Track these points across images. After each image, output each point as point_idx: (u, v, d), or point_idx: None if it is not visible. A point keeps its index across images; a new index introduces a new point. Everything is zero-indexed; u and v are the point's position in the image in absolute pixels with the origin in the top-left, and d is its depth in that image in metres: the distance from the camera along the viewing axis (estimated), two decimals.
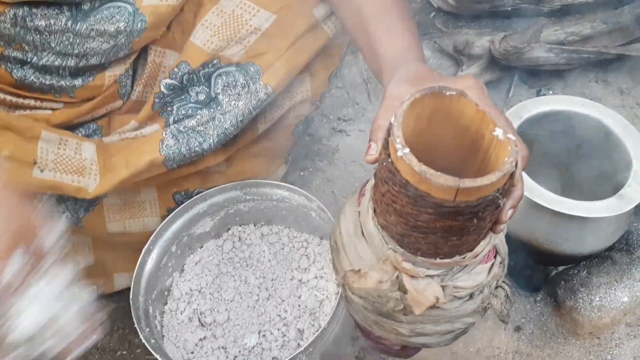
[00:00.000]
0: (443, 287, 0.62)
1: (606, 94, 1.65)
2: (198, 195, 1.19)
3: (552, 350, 1.14)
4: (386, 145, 0.56)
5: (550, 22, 1.71)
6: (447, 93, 0.57)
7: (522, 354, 1.15)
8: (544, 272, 1.30)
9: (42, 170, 0.98)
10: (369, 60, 0.86)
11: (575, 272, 1.14)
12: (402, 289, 0.62)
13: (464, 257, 0.61)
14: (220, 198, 1.22)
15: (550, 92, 1.66)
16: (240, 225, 1.30)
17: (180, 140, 1.05)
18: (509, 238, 1.14)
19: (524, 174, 1.05)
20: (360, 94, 1.73)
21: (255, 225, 1.31)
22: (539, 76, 1.68)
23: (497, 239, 0.65)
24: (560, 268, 1.24)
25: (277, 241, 1.28)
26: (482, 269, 0.64)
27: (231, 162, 1.21)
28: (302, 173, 1.55)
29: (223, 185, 1.20)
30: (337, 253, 0.69)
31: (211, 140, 1.05)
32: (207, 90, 1.08)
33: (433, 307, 0.62)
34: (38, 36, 0.95)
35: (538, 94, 1.66)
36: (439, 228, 0.55)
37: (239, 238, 1.29)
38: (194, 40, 1.05)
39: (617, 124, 1.14)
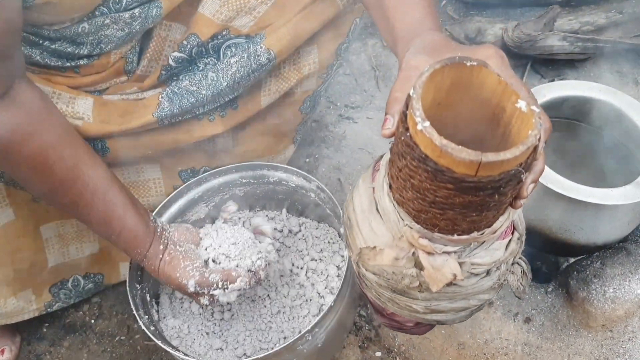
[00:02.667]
0: (460, 264, 0.60)
1: (621, 85, 1.61)
2: (192, 180, 1.17)
3: (563, 343, 1.11)
4: (404, 118, 0.53)
5: (564, 12, 1.68)
6: (468, 64, 0.54)
7: (532, 346, 1.12)
8: (555, 263, 1.26)
9: None
10: (383, 32, 0.83)
11: (589, 262, 1.11)
12: (419, 266, 0.60)
13: (482, 233, 0.58)
14: (215, 182, 1.20)
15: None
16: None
17: (175, 101, 1.03)
18: None
19: None
20: (368, 81, 1.70)
21: (250, 211, 1.29)
22: (553, 66, 1.64)
23: (516, 215, 0.63)
24: (572, 260, 1.21)
25: (274, 226, 1.26)
26: (499, 245, 0.62)
27: (238, 141, 1.18)
28: (307, 160, 1.52)
29: (219, 169, 1.18)
30: (351, 229, 0.67)
31: (203, 97, 1.04)
32: (215, 61, 1.05)
33: (450, 284, 0.60)
34: (55, 27, 0.92)
35: None
36: (458, 204, 0.53)
37: (234, 224, 1.27)
38: (202, 11, 1.02)
39: (635, 110, 1.10)
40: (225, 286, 0.95)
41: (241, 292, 0.98)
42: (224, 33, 1.03)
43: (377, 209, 0.63)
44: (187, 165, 1.17)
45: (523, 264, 0.68)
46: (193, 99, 1.03)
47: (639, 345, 1.07)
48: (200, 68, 1.06)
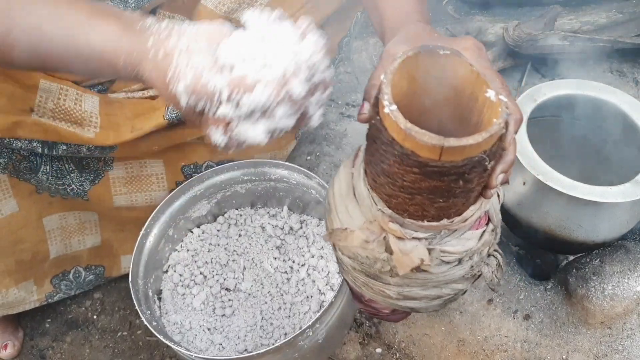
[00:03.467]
0: (430, 250, 0.61)
1: (621, 85, 1.62)
2: (194, 177, 1.17)
3: (562, 340, 1.11)
4: (376, 103, 0.54)
5: (565, 11, 1.68)
6: (442, 52, 0.55)
7: (531, 342, 1.12)
8: (555, 261, 1.27)
9: (40, 116, 0.96)
10: (375, 25, 0.84)
11: (588, 260, 1.11)
12: (389, 250, 0.61)
13: (452, 221, 0.59)
14: (217, 179, 1.21)
15: None
16: (237, 209, 1.29)
17: None
18: (520, 224, 1.13)
19: (535, 155, 1.03)
20: None
21: (252, 208, 1.30)
22: (553, 65, 1.64)
23: (489, 205, 0.63)
24: (572, 258, 1.21)
25: (275, 223, 1.27)
26: (472, 234, 0.63)
27: None
28: (308, 157, 1.52)
29: (221, 166, 1.19)
30: (329, 213, 0.68)
31: None
32: None
33: (418, 269, 0.61)
34: None
35: None
36: (424, 188, 0.54)
37: (236, 222, 1.28)
38: (205, 3, 1.03)
39: (634, 109, 1.11)
40: (236, 97, 0.59)
41: (271, 124, 0.60)
42: None
43: (354, 194, 0.64)
44: (190, 160, 1.18)
45: (499, 256, 0.69)
46: None
47: (638, 342, 1.08)
48: None
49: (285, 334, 1.13)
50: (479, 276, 0.68)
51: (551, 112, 1.14)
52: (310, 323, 0.97)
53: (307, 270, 1.19)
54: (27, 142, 0.96)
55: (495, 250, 0.68)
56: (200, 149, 1.17)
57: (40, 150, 0.99)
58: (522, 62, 1.64)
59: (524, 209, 1.10)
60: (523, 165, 1.03)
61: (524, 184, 1.08)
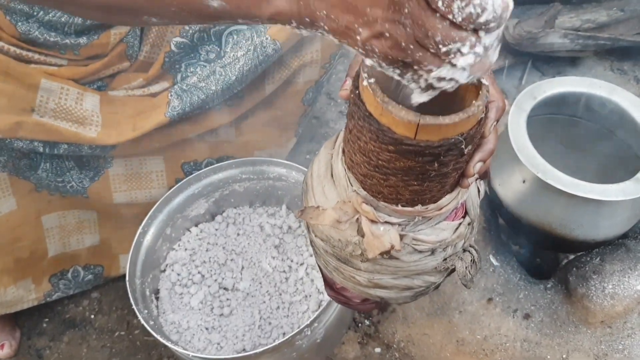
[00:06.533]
0: (401, 236, 0.59)
1: (622, 82, 1.61)
2: (192, 175, 1.17)
3: (562, 339, 1.11)
4: (357, 77, 0.53)
5: (565, 9, 1.68)
6: None
7: (531, 342, 1.11)
8: (555, 259, 1.26)
9: (41, 116, 0.96)
10: None
11: (588, 259, 1.11)
12: (360, 232, 0.60)
13: (426, 208, 0.58)
14: (215, 178, 1.20)
15: None
16: (235, 207, 1.28)
17: (185, 99, 1.03)
18: (520, 222, 1.12)
19: (535, 153, 1.03)
20: None
21: (250, 207, 1.29)
22: (553, 63, 1.64)
23: (466, 196, 0.62)
24: (572, 256, 1.20)
25: (273, 222, 1.26)
26: (447, 225, 0.62)
27: (241, 131, 1.18)
28: (308, 156, 1.52)
29: (219, 164, 1.18)
30: (306, 194, 0.67)
31: (212, 93, 1.04)
32: (218, 49, 1.06)
33: (388, 254, 0.59)
34: None
35: None
36: (399, 169, 0.53)
37: (234, 221, 1.27)
38: None
39: (634, 106, 1.10)
40: None
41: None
42: None
43: (331, 174, 0.63)
44: (190, 157, 1.18)
45: (474, 252, 0.67)
46: (203, 95, 1.04)
47: (638, 341, 1.07)
48: (203, 57, 1.07)
49: (284, 334, 1.12)
50: (452, 270, 0.66)
51: (551, 110, 1.13)
52: (308, 322, 0.96)
53: (306, 269, 1.19)
54: (28, 142, 0.96)
55: (471, 246, 0.67)
56: (200, 146, 1.17)
57: (41, 149, 0.99)
58: (522, 60, 1.64)
59: (524, 207, 1.09)
60: (523, 163, 1.02)
61: (524, 182, 1.07)
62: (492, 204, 1.20)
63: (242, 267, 1.22)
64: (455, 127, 0.49)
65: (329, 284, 0.75)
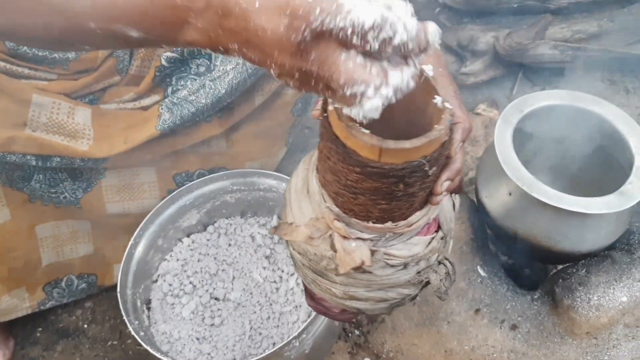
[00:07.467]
0: (373, 252, 0.61)
1: (612, 93, 1.62)
2: (184, 187, 1.18)
3: (549, 350, 1.12)
4: (325, 101, 0.55)
5: (557, 19, 1.69)
6: None
7: (518, 352, 1.12)
8: (544, 270, 1.27)
9: (34, 131, 0.98)
10: None
11: (574, 270, 1.12)
12: (333, 248, 0.62)
13: (396, 225, 0.60)
14: (206, 189, 1.21)
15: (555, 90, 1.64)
16: (227, 218, 1.30)
17: (175, 112, 1.05)
18: (506, 234, 1.13)
19: (521, 166, 1.04)
20: None
21: (242, 217, 1.30)
22: (544, 74, 1.65)
23: (437, 212, 0.64)
24: (560, 266, 1.21)
25: (264, 233, 1.27)
26: (419, 240, 0.63)
27: (232, 142, 1.20)
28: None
29: (210, 176, 1.20)
30: (284, 208, 0.69)
31: (202, 106, 1.05)
32: (208, 63, 1.07)
33: (359, 269, 0.61)
34: None
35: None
36: (367, 189, 0.54)
37: (226, 231, 1.29)
38: None
39: (620, 119, 1.11)
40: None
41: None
42: None
43: (307, 190, 0.65)
44: (182, 168, 1.19)
45: (449, 265, 0.69)
46: (193, 109, 1.06)
47: (623, 352, 1.08)
48: (194, 71, 1.08)
49: (274, 344, 1.13)
50: (427, 283, 0.68)
51: (537, 123, 1.14)
52: (296, 334, 0.98)
53: (297, 279, 1.20)
54: (21, 155, 0.98)
55: (446, 259, 0.68)
56: (192, 157, 1.18)
57: (34, 163, 1.00)
58: (513, 70, 1.65)
59: (510, 219, 1.10)
60: (508, 176, 1.03)
61: (510, 194, 1.08)
62: (480, 215, 1.22)
63: (233, 278, 1.23)
64: (418, 150, 0.50)
65: (309, 294, 0.76)
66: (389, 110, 0.60)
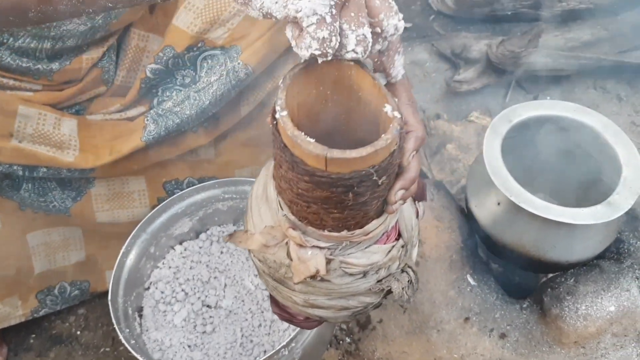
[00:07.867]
0: (330, 260, 0.60)
1: (604, 101, 1.63)
2: (175, 196, 1.19)
3: (537, 359, 1.12)
4: (274, 109, 0.54)
5: (550, 27, 1.70)
6: (345, 62, 0.53)
7: None
8: (535, 278, 1.28)
9: (20, 141, 0.98)
10: None
11: (563, 279, 1.12)
12: (289, 256, 0.61)
13: (352, 233, 0.59)
14: (198, 197, 1.22)
15: (548, 97, 1.65)
16: (220, 225, 1.30)
17: (160, 123, 1.05)
18: (495, 243, 1.14)
19: (509, 176, 1.05)
20: None
21: (234, 225, 1.31)
22: (537, 82, 1.66)
23: (394, 221, 0.63)
24: (549, 276, 1.22)
25: None
26: (378, 248, 0.62)
27: (220, 151, 1.20)
28: None
29: (201, 184, 1.20)
30: (246, 214, 0.68)
31: (187, 117, 1.06)
32: (193, 74, 1.08)
33: (314, 278, 0.60)
34: None
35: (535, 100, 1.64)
36: (317, 198, 0.54)
37: (218, 239, 1.29)
38: (176, 23, 1.04)
39: (608, 130, 1.12)
40: None
41: None
42: (199, 45, 1.05)
43: (266, 197, 0.64)
44: (171, 176, 1.19)
45: (412, 273, 0.68)
46: (178, 120, 1.06)
47: None
48: (179, 82, 1.09)
49: (265, 351, 1.14)
50: (389, 291, 0.67)
51: (526, 133, 1.15)
52: (284, 343, 0.98)
53: None
54: (7, 166, 0.98)
55: (409, 267, 0.67)
56: (181, 165, 1.19)
57: (20, 172, 1.01)
58: (506, 78, 1.66)
59: (499, 228, 1.11)
60: (497, 186, 1.04)
61: (499, 204, 1.09)
62: (470, 223, 1.22)
63: (225, 285, 1.24)
64: (364, 160, 0.49)
65: (273, 301, 0.75)
66: (345, 120, 0.59)
